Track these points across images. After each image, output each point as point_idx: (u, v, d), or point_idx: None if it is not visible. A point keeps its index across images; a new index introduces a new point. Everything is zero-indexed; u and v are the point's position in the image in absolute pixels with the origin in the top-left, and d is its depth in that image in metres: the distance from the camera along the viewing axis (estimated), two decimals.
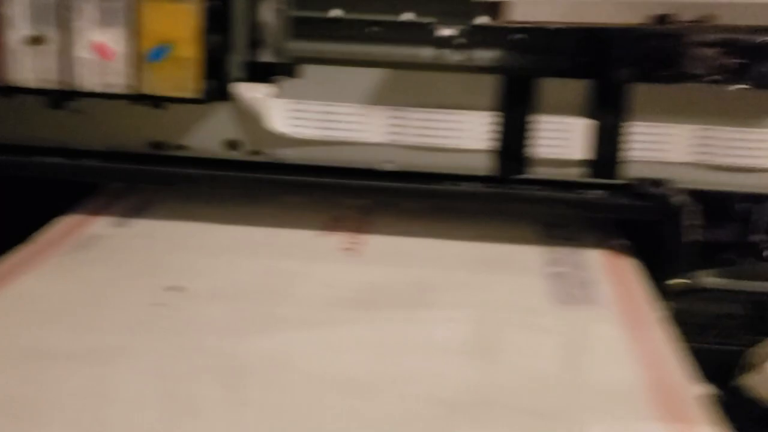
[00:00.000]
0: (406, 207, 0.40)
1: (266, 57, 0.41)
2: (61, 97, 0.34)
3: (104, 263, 0.34)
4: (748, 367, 0.35)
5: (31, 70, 0.33)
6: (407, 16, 0.35)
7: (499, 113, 0.35)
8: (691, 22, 0.30)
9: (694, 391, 0.25)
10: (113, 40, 0.33)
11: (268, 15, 0.41)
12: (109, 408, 0.23)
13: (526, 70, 0.34)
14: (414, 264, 0.35)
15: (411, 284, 0.32)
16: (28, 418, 0.22)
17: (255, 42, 0.40)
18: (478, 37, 0.34)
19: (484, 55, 0.35)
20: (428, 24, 0.34)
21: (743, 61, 0.37)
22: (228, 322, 0.29)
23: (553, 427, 0.23)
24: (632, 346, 0.28)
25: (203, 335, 0.27)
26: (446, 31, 0.34)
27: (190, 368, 0.25)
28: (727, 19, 0.30)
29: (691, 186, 0.35)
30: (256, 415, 0.23)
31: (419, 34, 0.35)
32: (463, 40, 0.34)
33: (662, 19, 0.30)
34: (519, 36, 0.33)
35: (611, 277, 0.34)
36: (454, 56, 0.35)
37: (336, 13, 0.37)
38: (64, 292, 0.31)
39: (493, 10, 0.31)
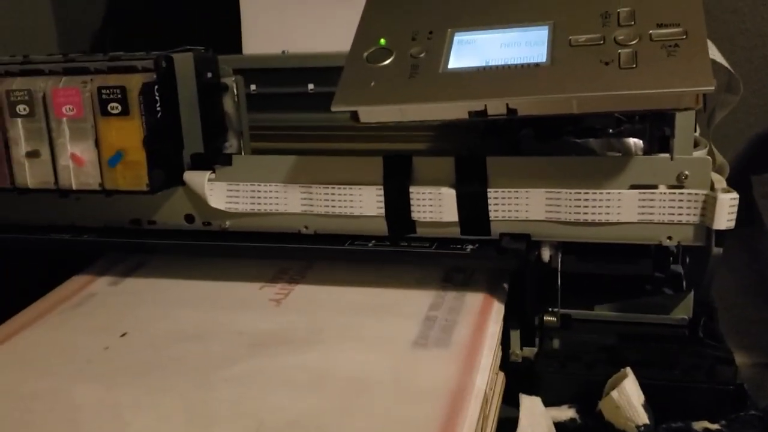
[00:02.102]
0: (335, 259, 0.48)
1: (231, 141, 0.51)
2: (59, 194, 0.45)
3: (88, 317, 0.45)
4: (605, 394, 0.40)
5: (31, 176, 0.45)
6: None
7: (387, 185, 0.43)
8: (500, 114, 0.36)
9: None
10: (83, 151, 0.43)
11: (229, 106, 0.51)
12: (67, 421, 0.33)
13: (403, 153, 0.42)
14: (317, 310, 0.43)
15: (304, 328, 0.41)
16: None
17: (217, 131, 0.50)
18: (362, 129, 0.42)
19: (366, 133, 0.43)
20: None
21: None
22: (150, 361, 0.39)
23: None
24: (449, 387, 0.35)
25: (121, 371, 0.38)
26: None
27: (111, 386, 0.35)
28: (524, 111, 0.36)
29: (546, 239, 0.42)
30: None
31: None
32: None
33: (480, 113, 0.37)
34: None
35: (473, 320, 0.41)
36: None
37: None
38: (52, 340, 0.42)
39: (355, 116, 0.39)
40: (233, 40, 0.66)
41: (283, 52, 0.59)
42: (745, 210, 0.68)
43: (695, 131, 0.47)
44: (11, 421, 0.35)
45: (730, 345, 0.45)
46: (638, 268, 0.47)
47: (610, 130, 0.47)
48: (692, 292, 0.45)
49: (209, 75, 0.49)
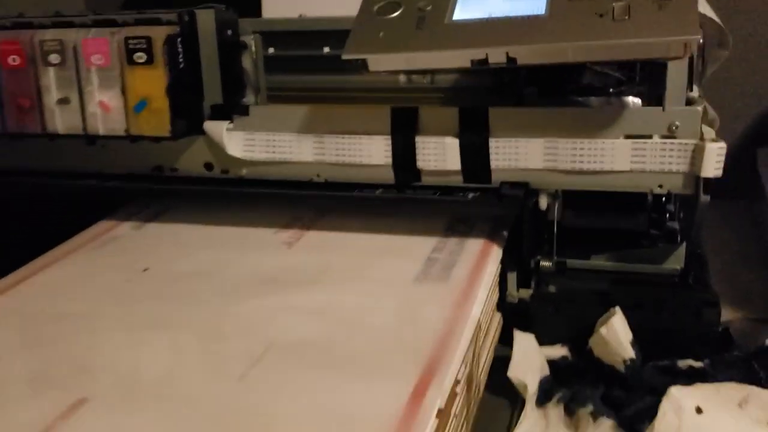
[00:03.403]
0: (347, 209, 0.51)
1: (249, 96, 0.54)
2: (86, 141, 0.48)
3: (110, 256, 0.48)
4: (595, 332, 0.43)
5: (61, 122, 0.48)
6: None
7: (394, 136, 0.45)
8: (501, 63, 0.39)
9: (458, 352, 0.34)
10: (111, 98, 0.46)
11: (248, 63, 0.54)
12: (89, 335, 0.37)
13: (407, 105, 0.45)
14: (325, 252, 0.46)
15: (313, 268, 0.44)
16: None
17: (237, 86, 0.52)
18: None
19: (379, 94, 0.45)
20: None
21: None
22: (170, 292, 0.42)
23: (347, 368, 0.34)
24: (445, 314, 0.37)
25: (143, 299, 0.41)
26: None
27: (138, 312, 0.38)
28: (523, 60, 0.38)
29: (544, 187, 0.44)
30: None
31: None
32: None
33: (482, 62, 0.39)
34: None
35: (472, 261, 0.43)
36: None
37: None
38: (78, 275, 0.45)
39: (364, 64, 0.41)
40: (253, 4, 0.68)
41: (300, 15, 0.62)
42: (751, 182, 0.70)
43: (695, 92, 0.49)
44: (42, 337, 0.38)
45: (727, 303, 0.48)
46: (635, 222, 0.49)
47: (611, 90, 0.49)
48: (684, 245, 0.47)
49: (229, 32, 0.51)
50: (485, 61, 0.39)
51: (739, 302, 0.55)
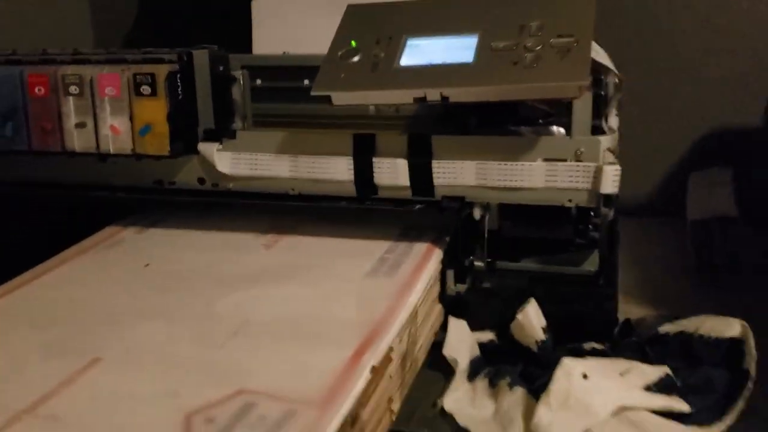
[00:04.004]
0: (317, 218, 0.60)
1: (237, 122, 0.63)
2: (99, 158, 0.58)
3: (117, 255, 0.57)
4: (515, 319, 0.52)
5: (78, 142, 0.57)
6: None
7: (355, 157, 0.55)
8: (437, 100, 0.48)
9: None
10: (120, 123, 0.56)
11: (237, 94, 0.63)
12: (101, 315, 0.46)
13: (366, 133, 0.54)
14: (298, 254, 0.55)
15: (287, 266, 0.53)
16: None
17: (227, 115, 0.62)
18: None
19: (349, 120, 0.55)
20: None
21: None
22: (169, 283, 0.51)
23: (308, 338, 0.43)
24: (388, 301, 0.47)
25: (147, 287, 0.50)
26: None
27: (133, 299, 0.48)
28: (454, 98, 0.48)
29: (477, 200, 0.53)
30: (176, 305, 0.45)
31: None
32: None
33: (421, 99, 0.49)
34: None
35: (416, 262, 0.52)
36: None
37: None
38: (91, 269, 0.54)
39: (329, 99, 0.51)
40: (245, 41, 0.78)
41: (284, 53, 0.71)
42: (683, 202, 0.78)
43: (612, 122, 0.58)
44: (61, 316, 0.47)
45: (645, 303, 0.58)
46: (561, 232, 0.58)
47: (540, 120, 0.58)
48: (597, 250, 0.56)
49: (221, 68, 0.61)
50: (424, 98, 0.49)
51: (656, 303, 0.64)
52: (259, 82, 0.70)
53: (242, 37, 0.79)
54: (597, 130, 0.52)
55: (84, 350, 0.42)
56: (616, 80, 0.52)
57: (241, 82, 0.63)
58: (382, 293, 0.48)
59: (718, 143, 0.86)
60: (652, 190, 0.90)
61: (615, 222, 0.62)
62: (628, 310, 0.63)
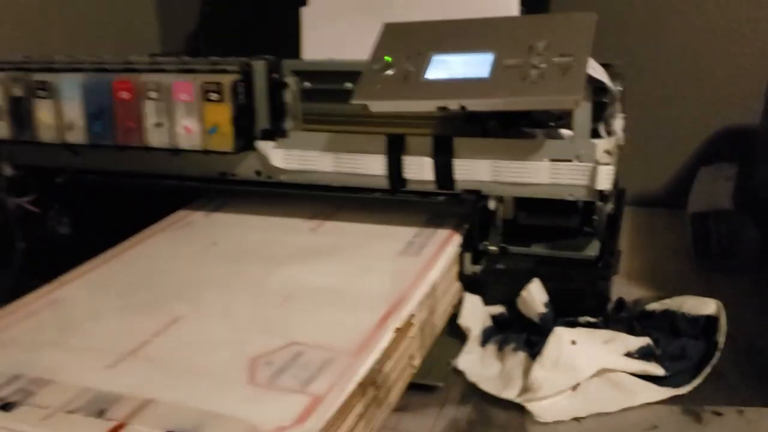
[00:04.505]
0: (355, 206, 0.70)
1: (289, 122, 0.73)
2: (173, 153, 0.68)
3: (188, 235, 0.68)
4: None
5: (156, 139, 0.68)
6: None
7: (388, 155, 0.64)
8: (457, 110, 0.57)
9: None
10: (192, 124, 0.66)
11: (289, 97, 0.73)
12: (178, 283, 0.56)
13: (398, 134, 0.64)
14: (338, 236, 0.65)
15: (329, 246, 0.63)
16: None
17: (280, 115, 0.72)
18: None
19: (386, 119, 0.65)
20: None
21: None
22: (233, 258, 0.61)
23: (345, 303, 0.53)
24: (412, 275, 0.56)
25: (215, 262, 0.60)
26: None
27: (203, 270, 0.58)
28: (471, 108, 0.57)
29: (491, 194, 0.62)
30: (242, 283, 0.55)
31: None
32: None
33: (443, 109, 0.58)
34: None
35: (437, 245, 0.62)
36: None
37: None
38: (167, 246, 0.65)
39: (366, 107, 0.60)
40: (295, 48, 0.88)
41: (330, 59, 0.81)
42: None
43: (616, 125, 0.67)
44: (145, 284, 0.58)
45: (647, 285, 0.66)
46: (570, 221, 0.67)
47: (551, 123, 0.67)
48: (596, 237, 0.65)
49: (276, 75, 0.71)
50: (446, 108, 0.58)
51: (655, 284, 0.72)
52: (308, 84, 0.80)
53: (293, 42, 0.89)
54: (596, 133, 0.61)
55: (167, 311, 0.53)
56: (613, 91, 0.60)
57: (293, 87, 0.73)
58: (407, 270, 0.57)
59: (726, 140, 0.93)
60: (666, 183, 0.98)
61: (617, 213, 0.71)
62: (629, 291, 0.72)
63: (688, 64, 0.94)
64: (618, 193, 0.78)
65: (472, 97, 0.57)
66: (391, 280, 0.56)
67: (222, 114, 0.65)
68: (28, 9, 0.92)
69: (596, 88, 0.60)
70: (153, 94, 0.67)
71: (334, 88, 0.78)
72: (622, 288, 0.72)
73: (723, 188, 0.79)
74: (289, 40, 0.90)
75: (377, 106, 0.60)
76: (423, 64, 0.60)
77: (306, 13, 0.90)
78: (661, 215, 0.94)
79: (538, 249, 0.65)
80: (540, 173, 0.60)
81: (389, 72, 0.61)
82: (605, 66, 0.68)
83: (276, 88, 0.71)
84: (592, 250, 0.65)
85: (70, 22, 0.98)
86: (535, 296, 0.59)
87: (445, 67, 0.60)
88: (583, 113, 0.59)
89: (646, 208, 0.98)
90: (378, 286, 0.55)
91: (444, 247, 0.61)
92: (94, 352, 0.47)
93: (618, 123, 0.69)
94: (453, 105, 0.58)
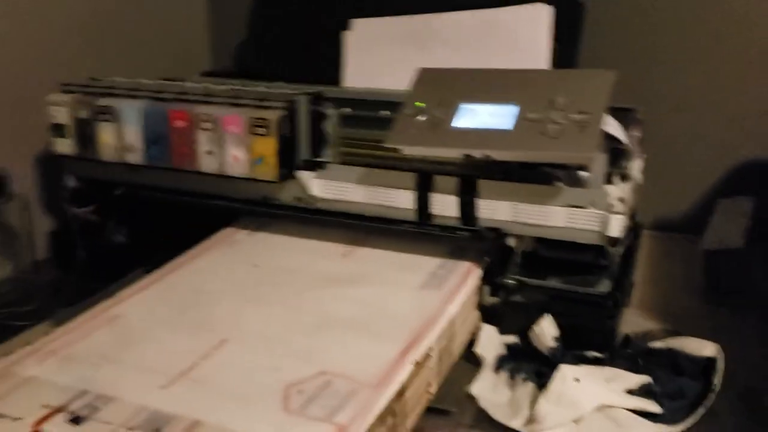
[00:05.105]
0: (386, 233, 0.76)
1: (328, 149, 0.79)
2: (222, 178, 0.75)
3: (234, 253, 0.75)
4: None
5: (207, 165, 0.74)
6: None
7: (417, 191, 0.70)
8: (481, 158, 0.62)
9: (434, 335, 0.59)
10: (240, 153, 0.73)
11: (329, 126, 0.79)
12: (224, 304, 0.63)
13: (427, 171, 0.69)
14: (367, 264, 0.71)
15: (357, 273, 0.69)
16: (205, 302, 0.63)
17: (320, 144, 0.78)
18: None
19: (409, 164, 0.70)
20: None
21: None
22: (272, 281, 0.68)
23: (370, 334, 0.59)
24: (432, 309, 0.62)
25: (256, 284, 0.67)
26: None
27: (250, 289, 0.65)
28: (494, 157, 0.62)
29: (510, 232, 0.68)
30: (280, 305, 0.62)
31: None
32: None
33: (469, 156, 0.63)
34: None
35: (460, 277, 0.67)
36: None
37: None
38: (214, 264, 0.72)
39: (399, 151, 0.66)
40: (336, 77, 0.94)
41: (368, 89, 0.87)
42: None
43: (634, 169, 0.71)
44: (194, 304, 0.64)
45: (657, 318, 0.71)
46: (584, 256, 0.72)
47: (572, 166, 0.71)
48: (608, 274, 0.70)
49: (317, 108, 0.77)
50: (471, 156, 0.63)
51: (667, 318, 0.77)
52: (348, 109, 0.86)
53: (335, 68, 0.95)
54: (610, 177, 0.65)
55: (213, 333, 0.59)
56: (627, 146, 0.65)
57: (333, 118, 0.78)
58: (429, 304, 0.63)
59: (746, 173, 0.96)
60: (686, 210, 1.01)
61: (633, 246, 0.75)
62: (639, 322, 0.76)
63: (712, 97, 0.97)
64: (635, 227, 0.82)
65: (495, 148, 0.62)
66: (413, 314, 0.62)
67: (268, 146, 0.71)
68: (92, 28, 1.00)
69: (611, 138, 0.65)
70: (206, 125, 0.73)
71: (372, 115, 0.84)
72: (633, 319, 0.77)
73: (737, 226, 0.83)
74: (334, 59, 0.96)
75: (408, 150, 0.66)
76: (452, 111, 0.66)
77: (349, 38, 0.96)
78: (679, 242, 0.98)
79: (553, 282, 0.70)
80: (556, 217, 0.65)
81: (420, 118, 0.66)
82: (625, 110, 0.73)
83: (317, 118, 0.77)
84: (604, 285, 0.70)
85: (130, 41, 1.06)
86: (546, 332, 0.65)
87: (472, 116, 0.65)
88: (598, 164, 0.64)
89: (666, 233, 1.02)
90: (401, 318, 0.61)
91: (465, 281, 0.67)
92: (149, 372, 0.53)
93: (636, 166, 0.73)
94: (478, 154, 0.63)
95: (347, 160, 0.76)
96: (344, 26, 0.97)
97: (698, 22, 0.96)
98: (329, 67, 0.97)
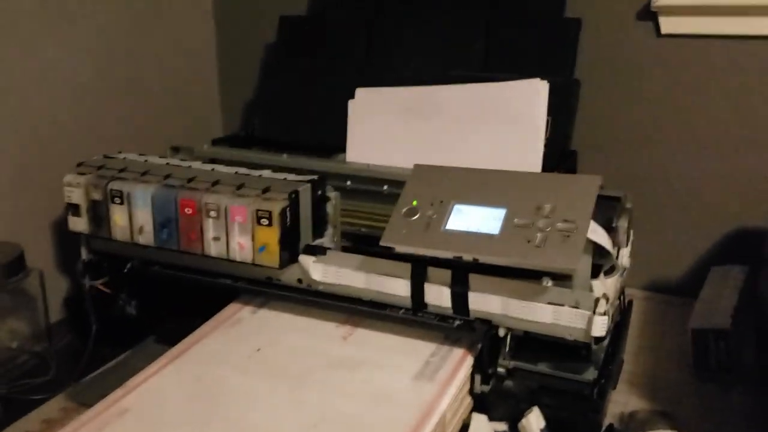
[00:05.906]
0: (382, 320, 0.79)
1: (329, 230, 0.83)
2: (228, 261, 0.79)
3: (238, 333, 0.78)
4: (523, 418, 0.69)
5: (214, 250, 0.78)
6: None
7: (412, 281, 0.73)
8: (469, 260, 0.66)
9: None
10: (245, 241, 0.76)
11: (330, 208, 0.83)
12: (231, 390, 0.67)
13: (421, 264, 0.73)
14: (364, 347, 0.75)
15: (354, 358, 0.73)
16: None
17: (322, 224, 0.81)
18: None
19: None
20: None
21: None
22: (273, 369, 0.72)
23: (364, 426, 0.62)
24: (425, 404, 0.65)
25: (257, 372, 0.71)
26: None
27: (247, 378, 0.69)
28: (482, 260, 0.65)
29: (500, 324, 0.71)
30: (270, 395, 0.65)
31: None
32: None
33: (458, 258, 0.66)
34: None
35: (452, 366, 0.71)
36: None
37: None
38: (221, 349, 0.76)
39: (393, 249, 0.69)
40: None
41: (368, 165, 0.90)
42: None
43: (618, 265, 0.74)
44: (202, 396, 0.68)
45: (644, 395, 0.74)
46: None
47: None
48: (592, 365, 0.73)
49: (319, 192, 0.80)
50: (461, 258, 0.67)
51: (655, 395, 0.80)
52: (349, 183, 0.90)
53: (339, 137, 0.98)
54: (597, 269, 0.69)
55: (227, 419, 0.63)
56: (612, 253, 0.68)
57: (333, 201, 0.82)
58: (421, 398, 0.67)
59: (739, 241, 0.99)
60: (679, 275, 1.04)
61: (623, 323, 0.78)
62: (627, 400, 0.80)
63: (710, 166, 1.00)
64: (626, 305, 0.85)
65: (482, 253, 0.65)
66: (407, 408, 0.65)
67: (271, 236, 0.75)
68: (109, 97, 1.04)
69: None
70: (213, 213, 0.77)
71: (375, 190, 0.88)
72: (622, 396, 0.80)
73: (726, 302, 0.86)
74: (341, 125, 0.98)
75: (402, 249, 0.69)
76: (444, 212, 0.69)
77: (353, 107, 0.99)
78: (672, 305, 1.01)
79: (541, 367, 0.73)
80: (543, 314, 0.68)
81: (414, 218, 0.70)
82: (614, 199, 0.76)
83: (319, 203, 0.80)
84: (590, 373, 0.73)
85: (147, 108, 1.10)
86: (533, 426, 0.68)
87: (462, 217, 0.68)
88: (582, 269, 0.67)
89: (660, 294, 1.05)
90: (395, 412, 0.65)
91: (457, 370, 0.70)
92: None
93: (623, 253, 0.76)
94: (467, 257, 0.66)
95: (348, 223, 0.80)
96: (351, 94, 1.00)
97: (690, 97, 0.99)
98: (335, 133, 0.99)
